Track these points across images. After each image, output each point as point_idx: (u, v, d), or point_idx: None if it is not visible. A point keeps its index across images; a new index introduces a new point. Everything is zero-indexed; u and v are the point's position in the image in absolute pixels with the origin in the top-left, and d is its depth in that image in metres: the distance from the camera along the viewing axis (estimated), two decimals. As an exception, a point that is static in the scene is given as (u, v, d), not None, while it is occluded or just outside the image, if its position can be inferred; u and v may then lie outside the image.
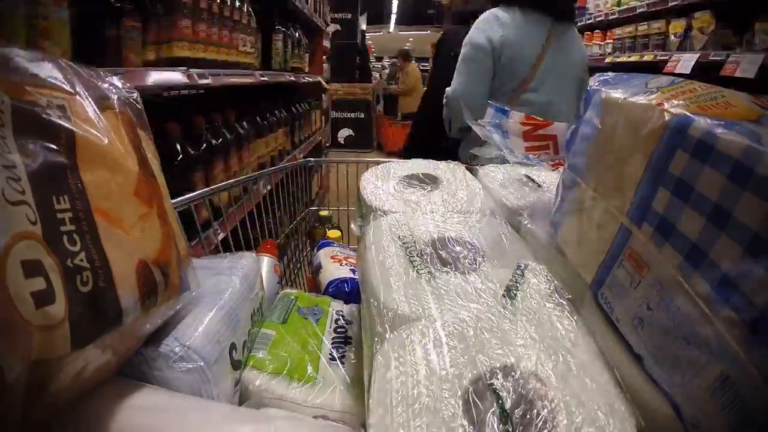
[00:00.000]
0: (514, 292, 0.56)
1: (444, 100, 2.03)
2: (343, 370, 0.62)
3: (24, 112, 0.37)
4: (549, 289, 0.58)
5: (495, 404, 0.41)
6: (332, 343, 0.66)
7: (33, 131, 0.37)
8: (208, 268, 0.62)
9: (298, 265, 1.37)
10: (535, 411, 0.40)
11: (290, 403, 0.56)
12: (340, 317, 0.73)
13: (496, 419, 0.40)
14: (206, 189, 0.99)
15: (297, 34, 3.20)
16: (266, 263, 0.88)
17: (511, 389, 0.42)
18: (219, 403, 0.50)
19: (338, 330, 0.69)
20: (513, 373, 0.44)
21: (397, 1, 13.85)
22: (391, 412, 0.41)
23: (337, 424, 0.54)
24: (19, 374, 0.31)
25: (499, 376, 0.44)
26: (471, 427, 0.40)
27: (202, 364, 0.48)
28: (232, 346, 0.55)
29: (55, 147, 0.39)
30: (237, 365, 0.56)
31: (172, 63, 1.42)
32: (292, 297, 0.75)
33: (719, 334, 0.36)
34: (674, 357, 0.40)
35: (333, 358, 0.63)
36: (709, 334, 0.37)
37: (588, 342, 0.50)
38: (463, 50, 1.92)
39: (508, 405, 0.41)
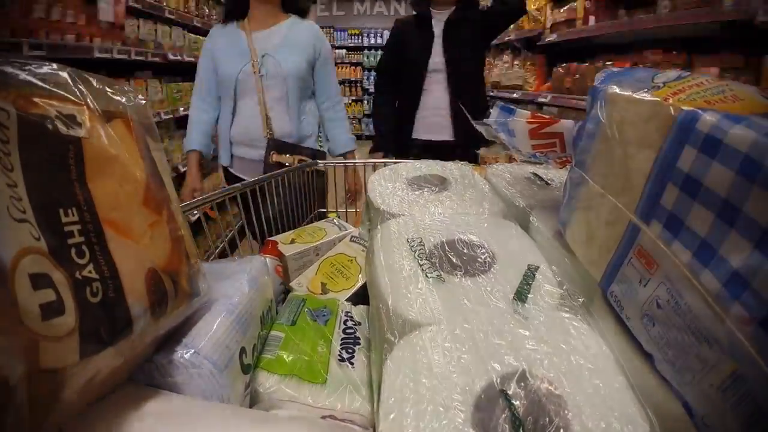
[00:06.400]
0: (525, 295, 0.56)
1: None
2: (352, 370, 0.62)
3: (31, 125, 0.37)
4: (560, 291, 0.57)
5: (507, 410, 0.40)
6: (341, 345, 0.66)
7: (40, 144, 0.38)
8: (217, 273, 0.63)
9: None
10: (548, 418, 0.40)
11: (300, 404, 0.56)
12: (349, 318, 0.73)
13: (508, 426, 0.39)
14: (215, 192, 1.00)
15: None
16: (267, 264, 0.88)
17: (522, 395, 0.42)
18: (229, 406, 0.50)
19: (347, 331, 0.69)
20: (525, 379, 0.44)
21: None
22: (401, 420, 0.41)
23: (346, 424, 0.54)
24: (22, 381, 0.31)
25: (511, 382, 0.43)
26: None
27: (212, 369, 0.49)
28: (242, 351, 0.55)
29: (63, 159, 0.39)
30: (247, 369, 0.56)
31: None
32: (301, 299, 0.75)
33: (730, 331, 0.35)
34: (685, 355, 0.40)
35: (342, 359, 0.63)
36: (720, 332, 0.36)
37: (600, 345, 0.49)
38: None
39: (520, 411, 0.40)
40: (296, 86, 1.98)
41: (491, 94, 4.64)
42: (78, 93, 0.45)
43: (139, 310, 0.43)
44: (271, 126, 1.98)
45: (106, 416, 0.43)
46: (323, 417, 0.55)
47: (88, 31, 2.30)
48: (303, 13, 2.10)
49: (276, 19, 2.03)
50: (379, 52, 7.55)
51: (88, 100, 0.46)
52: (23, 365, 0.32)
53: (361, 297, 0.82)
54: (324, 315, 0.72)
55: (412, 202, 0.83)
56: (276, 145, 1.95)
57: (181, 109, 3.43)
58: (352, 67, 10.03)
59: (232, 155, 2.09)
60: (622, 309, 0.50)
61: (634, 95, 0.50)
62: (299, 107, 2.02)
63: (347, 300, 0.81)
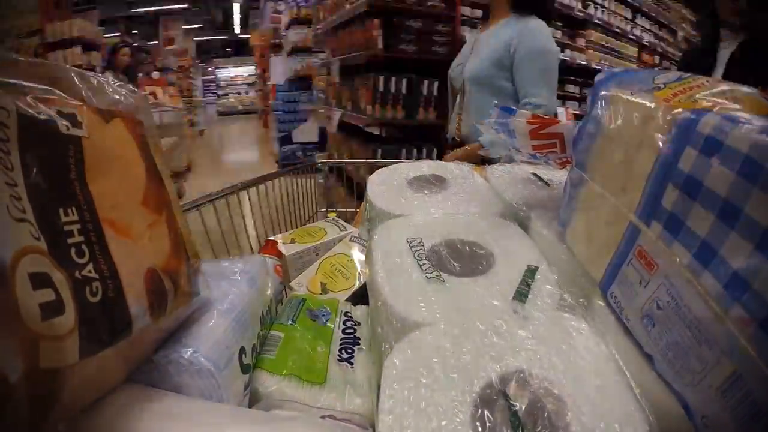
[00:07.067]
0: (525, 295, 0.56)
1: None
2: (351, 371, 0.62)
3: (32, 124, 0.37)
4: (560, 291, 0.57)
5: (506, 411, 0.40)
6: (341, 345, 0.66)
7: (40, 143, 0.38)
8: (216, 272, 0.63)
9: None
10: (547, 417, 0.40)
11: (300, 404, 0.56)
12: (349, 318, 0.73)
13: (507, 426, 0.39)
14: (214, 192, 1.00)
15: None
16: (267, 264, 0.88)
17: (522, 395, 0.42)
18: (229, 406, 0.50)
19: (346, 331, 0.69)
20: (524, 379, 0.44)
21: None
22: (401, 420, 0.41)
23: (345, 423, 0.54)
24: (22, 381, 0.31)
25: (510, 382, 0.43)
26: None
27: (212, 369, 0.49)
28: (242, 351, 0.55)
29: (63, 158, 0.39)
30: (246, 369, 0.56)
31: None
32: (301, 299, 0.75)
33: (730, 332, 0.35)
34: (684, 356, 0.40)
35: (341, 359, 0.63)
36: (720, 333, 0.36)
37: (600, 345, 0.49)
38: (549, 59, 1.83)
39: (519, 412, 0.40)
40: (475, 90, 1.87)
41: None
42: (79, 92, 0.45)
43: (138, 309, 0.43)
44: (459, 129, 1.98)
45: (105, 416, 0.43)
46: (322, 417, 0.55)
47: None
48: (525, 9, 1.82)
49: (498, 18, 1.89)
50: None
51: (89, 98, 0.45)
52: (23, 364, 0.32)
53: (361, 297, 0.82)
54: (324, 315, 0.72)
55: (412, 202, 0.83)
56: (453, 147, 1.95)
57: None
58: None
59: None
60: (622, 310, 0.50)
61: (634, 96, 0.50)
62: (479, 113, 1.78)
63: (347, 300, 0.81)
